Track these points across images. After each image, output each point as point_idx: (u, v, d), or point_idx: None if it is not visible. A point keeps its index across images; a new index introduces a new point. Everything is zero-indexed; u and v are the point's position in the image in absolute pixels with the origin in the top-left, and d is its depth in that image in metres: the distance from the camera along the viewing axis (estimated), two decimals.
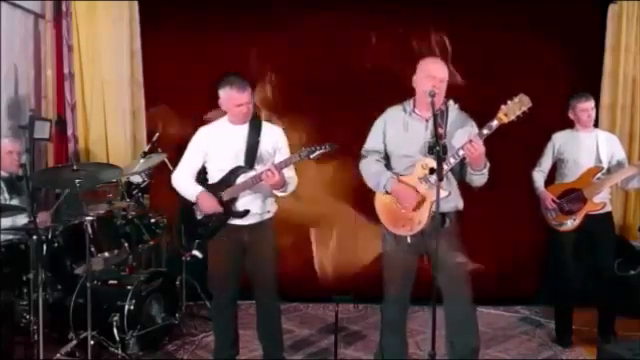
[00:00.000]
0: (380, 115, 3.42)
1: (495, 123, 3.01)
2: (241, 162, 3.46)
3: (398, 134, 3.30)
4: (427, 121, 3.21)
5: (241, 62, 5.06)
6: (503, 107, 3.00)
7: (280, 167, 3.30)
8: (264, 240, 3.56)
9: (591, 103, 4.17)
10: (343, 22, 5.14)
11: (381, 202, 3.33)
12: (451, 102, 3.31)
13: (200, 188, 3.48)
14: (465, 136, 3.15)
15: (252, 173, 3.42)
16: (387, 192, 3.26)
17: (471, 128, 3.22)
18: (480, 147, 3.00)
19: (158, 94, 5.29)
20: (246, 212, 3.45)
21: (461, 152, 3.06)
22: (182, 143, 3.71)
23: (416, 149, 3.22)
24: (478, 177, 3.15)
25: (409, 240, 3.23)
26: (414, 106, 3.30)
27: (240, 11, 5.14)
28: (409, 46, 5.11)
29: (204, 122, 3.72)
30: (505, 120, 2.99)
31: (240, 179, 3.44)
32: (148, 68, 5.25)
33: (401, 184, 3.21)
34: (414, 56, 4.14)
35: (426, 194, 3.15)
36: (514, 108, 2.98)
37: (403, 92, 3.38)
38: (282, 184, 3.36)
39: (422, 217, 3.17)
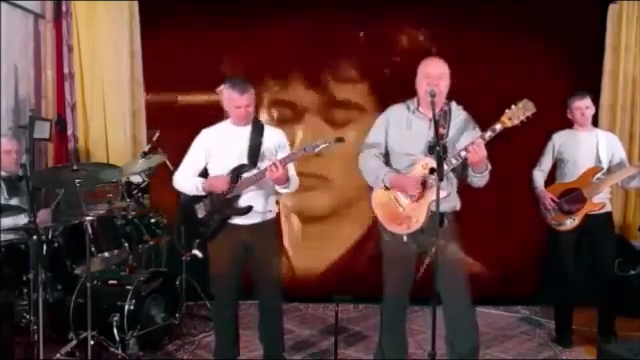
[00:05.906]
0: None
1: (499, 126, 3.01)
2: (244, 161, 3.47)
3: (401, 132, 3.29)
4: (430, 120, 3.19)
5: (241, 61, 5.07)
6: (507, 111, 3.00)
7: (284, 162, 3.30)
8: (266, 240, 3.56)
9: (586, 101, 4.15)
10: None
11: (378, 200, 3.31)
12: (454, 103, 3.30)
13: (202, 178, 3.49)
14: (468, 139, 3.14)
15: (255, 171, 3.43)
16: (386, 187, 3.24)
17: (474, 131, 3.22)
18: (481, 151, 3.00)
19: (158, 94, 5.28)
20: (249, 208, 3.45)
21: (463, 153, 3.05)
22: (183, 143, 3.72)
23: (418, 148, 3.21)
24: (478, 179, 3.17)
25: (405, 239, 3.22)
26: (418, 104, 3.30)
27: (240, 10, 5.14)
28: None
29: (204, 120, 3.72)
30: (509, 124, 2.99)
31: (244, 177, 3.44)
32: (148, 68, 5.25)
33: (400, 175, 3.21)
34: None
35: (425, 194, 3.15)
36: (518, 113, 2.98)
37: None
38: (285, 179, 3.37)
39: (420, 216, 3.16)
